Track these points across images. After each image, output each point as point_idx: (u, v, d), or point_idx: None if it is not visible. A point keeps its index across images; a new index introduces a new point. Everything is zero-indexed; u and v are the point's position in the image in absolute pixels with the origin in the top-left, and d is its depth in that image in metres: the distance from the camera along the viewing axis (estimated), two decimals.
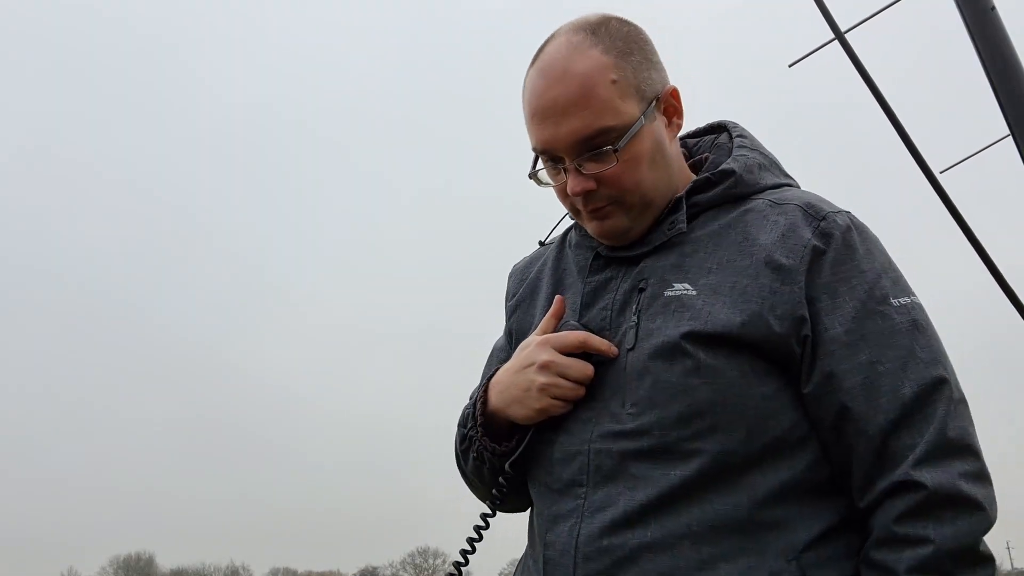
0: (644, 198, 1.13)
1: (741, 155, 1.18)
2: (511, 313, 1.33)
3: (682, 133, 1.24)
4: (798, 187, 1.21)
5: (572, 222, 1.29)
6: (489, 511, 1.22)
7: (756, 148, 1.21)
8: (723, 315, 1.04)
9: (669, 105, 1.16)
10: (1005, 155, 2.47)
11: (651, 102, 1.12)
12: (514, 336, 1.31)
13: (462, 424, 1.25)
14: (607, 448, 1.06)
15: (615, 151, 1.09)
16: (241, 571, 71.08)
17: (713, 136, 1.27)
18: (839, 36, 2.28)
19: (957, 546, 0.95)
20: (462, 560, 1.21)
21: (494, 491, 1.20)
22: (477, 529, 1.21)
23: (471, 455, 1.23)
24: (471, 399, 1.25)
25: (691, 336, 1.04)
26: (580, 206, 1.14)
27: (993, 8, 2.44)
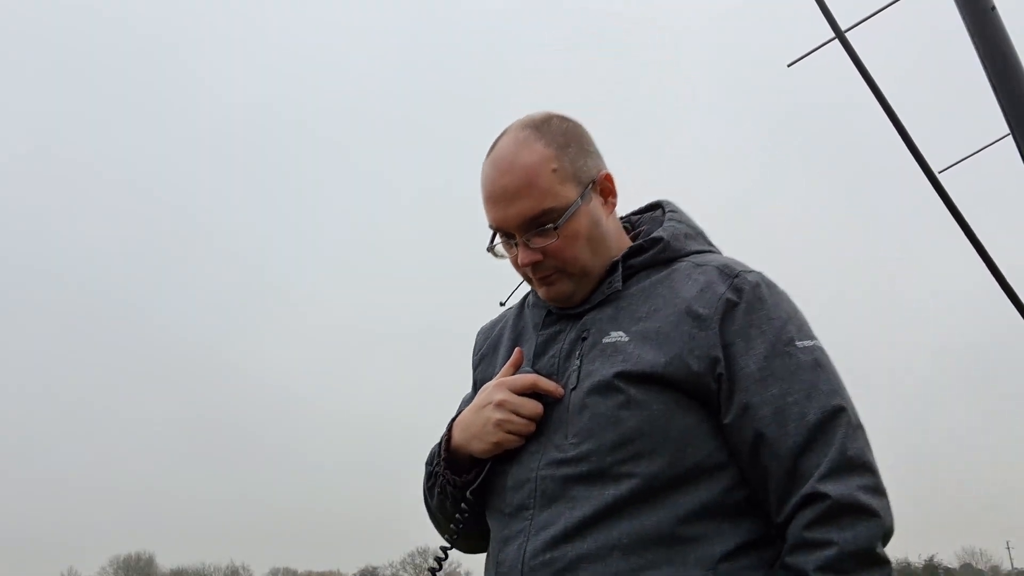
0: (583, 268, 1.34)
1: (670, 226, 1.40)
2: (477, 365, 1.54)
3: (628, 211, 1.52)
4: (719, 253, 1.42)
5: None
6: (448, 544, 1.38)
7: (683, 221, 1.43)
8: (649, 357, 1.23)
9: (604, 187, 1.38)
10: (1005, 155, 2.47)
11: (587, 186, 1.34)
12: (478, 386, 1.49)
13: (429, 463, 1.42)
14: (551, 474, 1.24)
15: (555, 228, 1.30)
16: (241, 571, 71.21)
17: (651, 212, 1.51)
18: (839, 35, 2.28)
19: (856, 548, 1.11)
20: None
21: (456, 515, 1.35)
22: (437, 560, 1.38)
23: (436, 490, 1.39)
24: (438, 441, 1.42)
25: (622, 375, 1.23)
26: (530, 274, 1.36)
27: (993, 8, 2.44)
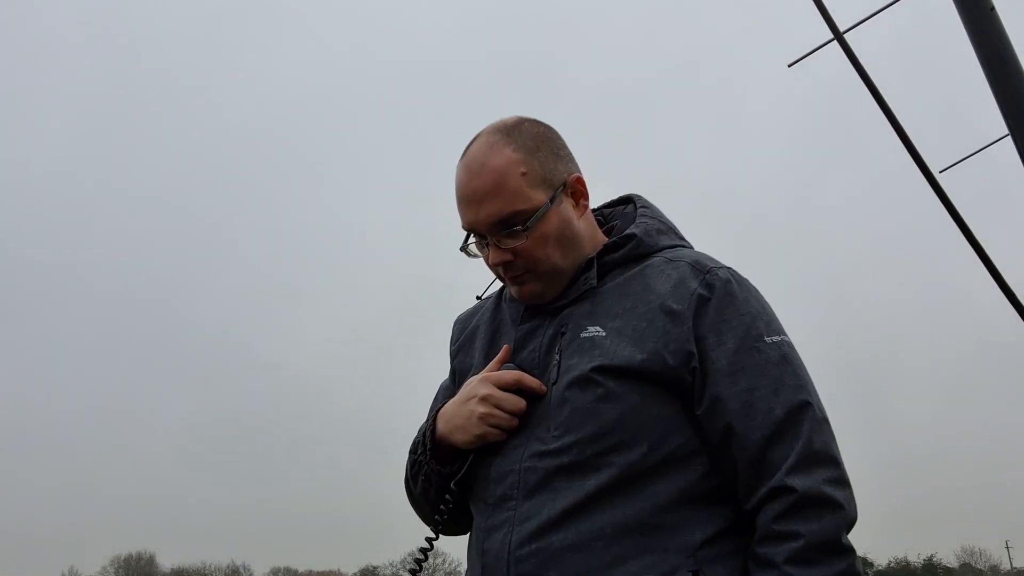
0: (553, 268, 1.37)
1: (642, 222, 1.44)
2: (454, 356, 1.57)
3: (599, 204, 1.56)
4: (691, 248, 1.46)
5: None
6: (433, 535, 1.42)
7: (655, 216, 1.47)
8: (626, 352, 1.27)
9: (575, 190, 1.41)
10: (1004, 155, 2.47)
11: (557, 189, 1.37)
12: (457, 376, 1.54)
13: (413, 451, 1.46)
14: (534, 466, 1.28)
15: (524, 230, 1.34)
16: (241, 571, 71.20)
17: (623, 207, 1.54)
18: (838, 36, 2.28)
19: (823, 539, 1.17)
20: None
21: (441, 507, 1.39)
22: (423, 551, 1.41)
23: (420, 478, 1.43)
24: (420, 430, 1.47)
25: (600, 369, 1.27)
26: (502, 273, 1.40)
27: (993, 8, 2.44)
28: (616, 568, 1.18)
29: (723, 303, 1.29)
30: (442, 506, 1.39)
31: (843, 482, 1.22)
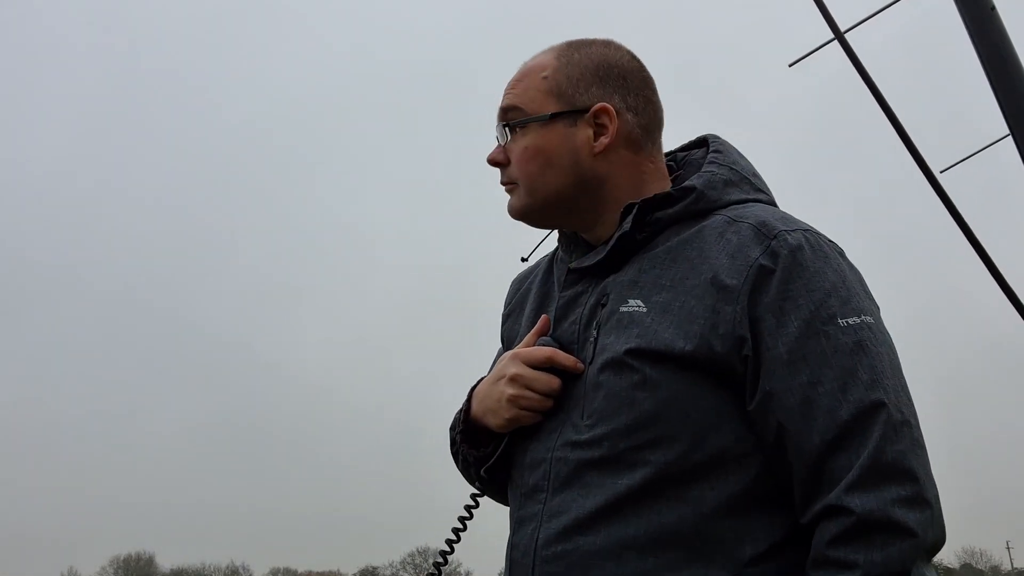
0: (531, 189, 1.23)
1: (708, 171, 1.21)
2: (505, 320, 1.44)
3: (674, 147, 1.34)
4: (769, 202, 1.23)
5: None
6: (467, 514, 1.33)
7: (727, 164, 1.23)
8: (668, 334, 1.08)
9: (599, 121, 1.21)
10: (1005, 155, 2.47)
11: (577, 110, 1.21)
12: (505, 343, 1.42)
13: (452, 428, 1.36)
14: (565, 456, 1.13)
15: (512, 130, 1.23)
16: (241, 571, 71.17)
17: (696, 150, 1.32)
18: (839, 36, 2.28)
19: (884, 572, 0.96)
20: (448, 549, 1.33)
21: (471, 496, 1.31)
22: (455, 532, 1.32)
23: (459, 457, 1.35)
24: (461, 408, 1.35)
25: (635, 352, 1.09)
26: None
27: (993, 8, 2.44)
28: None
29: (789, 276, 1.06)
30: (471, 497, 1.31)
31: (920, 502, 0.99)
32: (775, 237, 1.09)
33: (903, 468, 0.99)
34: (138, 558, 68.23)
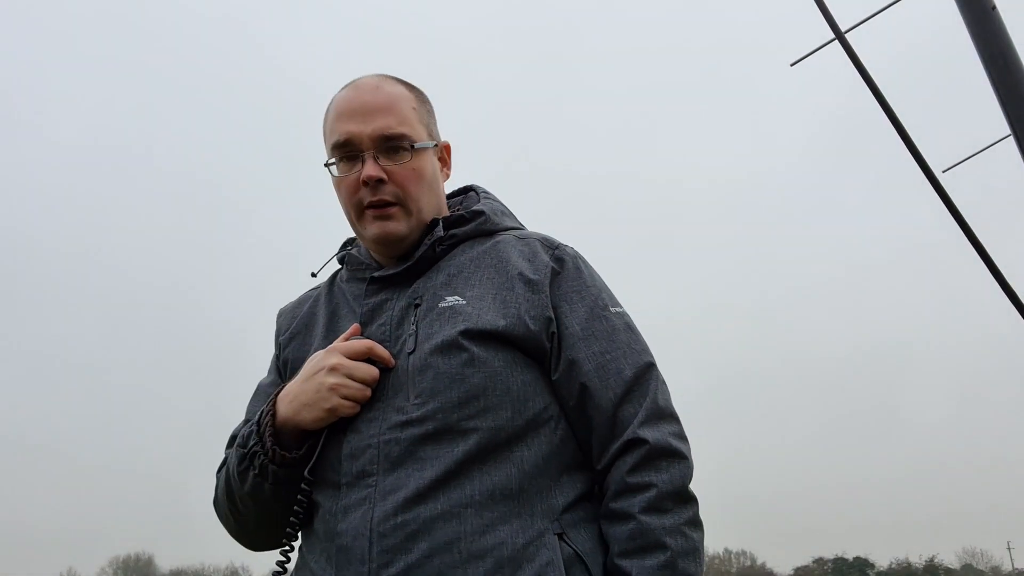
0: (419, 209, 1.37)
1: (488, 202, 1.49)
2: (286, 345, 1.47)
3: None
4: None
5: (339, 263, 1.51)
6: (289, 538, 1.28)
7: (498, 201, 1.53)
8: (490, 316, 1.29)
9: (444, 155, 1.47)
10: (1006, 155, 2.47)
11: (435, 142, 1.42)
12: (289, 366, 1.43)
13: (242, 445, 1.31)
14: (396, 437, 1.22)
15: (410, 150, 1.35)
16: (241, 571, 71.21)
17: (464, 195, 1.58)
18: (839, 36, 2.28)
19: (673, 488, 1.23)
20: None
21: (296, 506, 1.26)
22: (281, 564, 1.27)
23: (251, 474, 1.28)
24: (252, 420, 1.32)
25: (466, 333, 1.27)
26: (369, 197, 1.35)
27: (993, 8, 2.44)
28: (487, 534, 1.17)
29: (572, 275, 1.37)
30: (300, 496, 1.26)
31: (684, 436, 1.30)
32: (557, 248, 1.40)
33: (671, 412, 1.31)
34: (138, 558, 68.31)
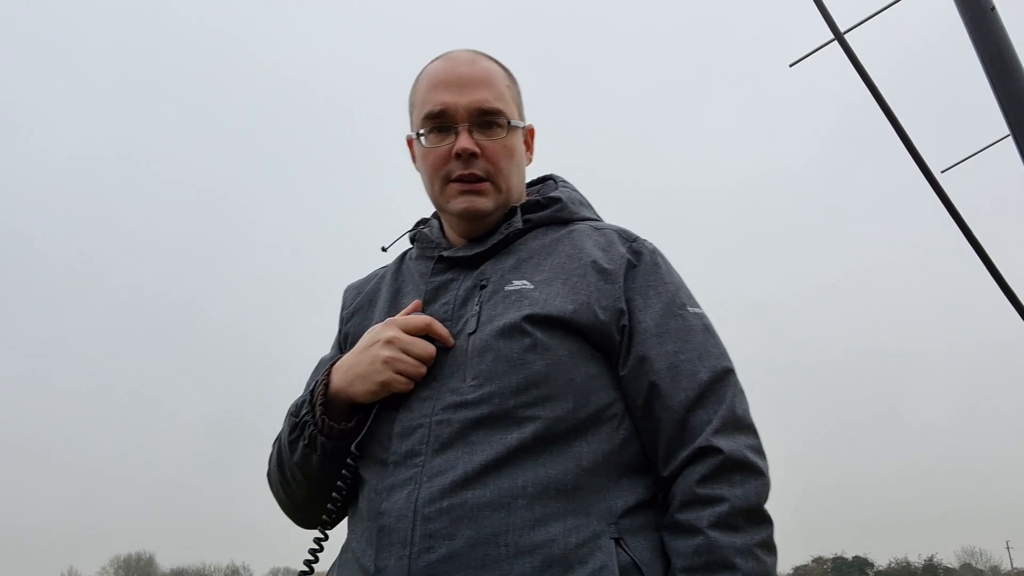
0: (508, 187, 1.34)
1: (565, 190, 1.43)
2: (348, 319, 1.43)
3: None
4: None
5: (410, 242, 1.48)
6: (330, 513, 1.24)
7: (576, 191, 1.47)
8: (557, 302, 1.22)
9: (529, 138, 1.43)
10: (1005, 155, 2.47)
11: (523, 124, 1.39)
12: (349, 340, 1.38)
13: (294, 413, 1.28)
14: (448, 419, 1.16)
15: (505, 127, 1.32)
16: (241, 571, 71.18)
17: (542, 184, 1.52)
18: (839, 36, 2.28)
19: (747, 505, 1.12)
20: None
21: (340, 481, 1.22)
22: (318, 541, 1.23)
23: (300, 444, 1.25)
24: (307, 388, 1.30)
25: (530, 318, 1.20)
26: (460, 170, 1.31)
27: (993, 8, 2.44)
28: (537, 529, 1.08)
29: (649, 270, 1.29)
30: (340, 481, 1.21)
31: (762, 452, 1.19)
32: (635, 240, 1.33)
33: (750, 423, 1.20)
34: (138, 558, 68.30)
